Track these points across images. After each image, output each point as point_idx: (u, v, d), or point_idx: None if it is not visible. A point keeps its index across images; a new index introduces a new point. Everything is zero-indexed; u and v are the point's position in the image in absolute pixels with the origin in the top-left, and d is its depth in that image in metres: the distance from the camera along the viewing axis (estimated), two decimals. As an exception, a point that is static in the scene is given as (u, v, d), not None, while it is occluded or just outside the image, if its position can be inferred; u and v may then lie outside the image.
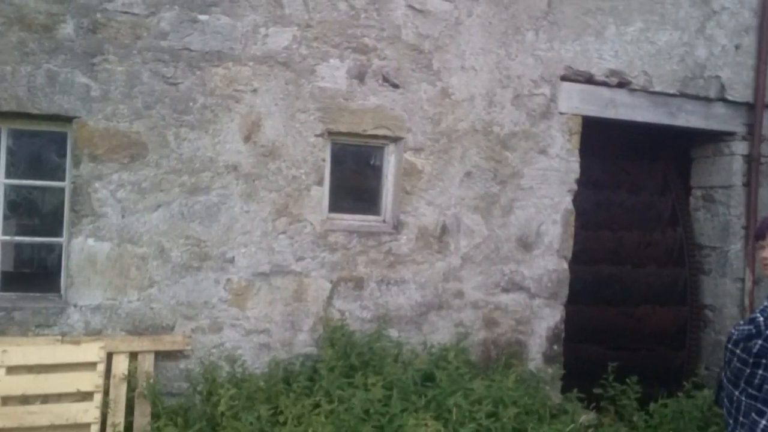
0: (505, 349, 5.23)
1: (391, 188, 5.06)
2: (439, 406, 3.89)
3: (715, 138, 6.17)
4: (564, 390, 5.20)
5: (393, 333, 4.90)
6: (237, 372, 4.36)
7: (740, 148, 6.06)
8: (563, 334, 5.44)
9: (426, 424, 3.30)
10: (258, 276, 4.60)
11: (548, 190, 5.33)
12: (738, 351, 2.82)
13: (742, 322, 2.89)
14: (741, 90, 5.96)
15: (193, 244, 4.46)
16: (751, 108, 5.98)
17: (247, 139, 4.57)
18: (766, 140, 6.07)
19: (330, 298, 4.79)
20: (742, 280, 6.01)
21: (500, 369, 4.75)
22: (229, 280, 4.54)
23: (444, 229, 5.07)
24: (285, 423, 3.74)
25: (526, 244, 5.30)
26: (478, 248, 5.17)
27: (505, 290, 5.26)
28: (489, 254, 5.20)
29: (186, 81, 4.43)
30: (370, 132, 4.89)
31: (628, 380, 4.51)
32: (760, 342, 2.71)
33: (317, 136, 4.74)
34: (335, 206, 4.95)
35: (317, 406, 3.92)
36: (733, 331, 2.91)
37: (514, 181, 5.23)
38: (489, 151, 5.14)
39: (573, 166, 5.39)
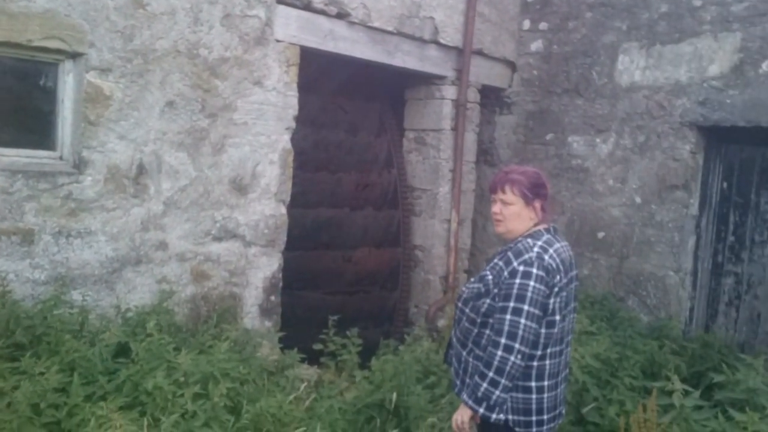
0: (218, 304, 4.65)
1: (70, 117, 4.03)
2: (135, 389, 3.18)
3: (428, 81, 6.20)
4: (284, 341, 4.86)
5: (77, 297, 3.98)
6: None
7: (450, 92, 6.19)
8: (281, 284, 5.05)
9: (113, 422, 2.58)
10: None
11: (265, 127, 4.78)
12: (467, 310, 2.65)
13: (472, 280, 2.72)
14: (452, 34, 6.02)
15: None
16: (460, 52, 6.10)
17: None
18: (472, 86, 6.28)
19: (-16, 258, 3.68)
20: (449, 221, 6.25)
21: (211, 329, 4.17)
22: None
23: (141, 169, 4.23)
24: None
25: (240, 187, 4.71)
26: (184, 191, 4.44)
27: (217, 239, 4.64)
28: (197, 198, 4.51)
29: None
30: (38, 43, 3.78)
31: (348, 332, 4.28)
32: (488, 301, 2.56)
33: (-43, 42, 3.50)
34: (-11, 138, 3.79)
35: (-35, 405, 2.92)
36: (463, 288, 2.73)
37: (226, 114, 4.56)
38: (195, 77, 4.38)
39: (291, 102, 4.90)
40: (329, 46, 5.15)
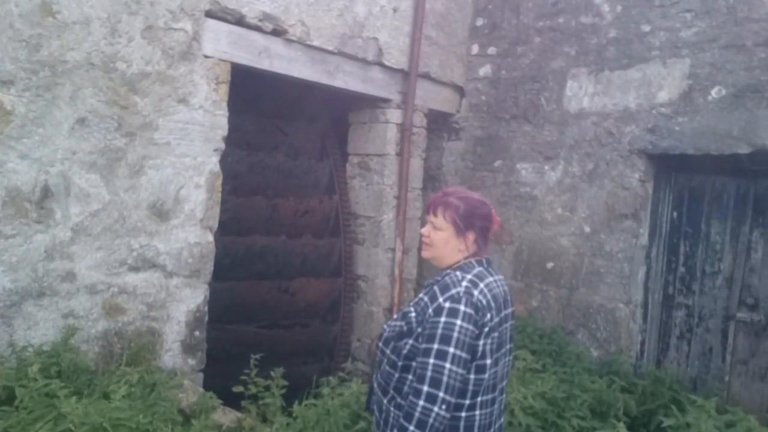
0: (134, 341, 4.23)
1: (-36, 133, 3.63)
2: (13, 441, 2.77)
3: (372, 104, 5.95)
4: (212, 381, 4.45)
5: (-35, 334, 3.55)
6: None
7: (395, 116, 5.94)
8: (207, 317, 4.65)
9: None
10: None
11: (190, 148, 4.43)
12: (388, 351, 2.32)
13: (395, 317, 2.40)
14: (397, 56, 5.80)
15: None
16: (406, 75, 5.88)
17: None
18: (418, 110, 6.05)
19: None
20: (393, 250, 5.95)
21: (119, 370, 3.75)
22: None
23: (46, 192, 3.83)
24: None
25: (161, 213, 4.34)
26: (96, 217, 4.04)
27: (134, 269, 4.25)
28: (112, 225, 4.11)
29: None
30: (-74, 50, 3.40)
31: (273, 373, 3.90)
32: (410, 342, 2.23)
33: None
34: None
35: None
36: (385, 327, 2.41)
37: (145, 134, 4.20)
38: (111, 93, 4.02)
39: (220, 121, 4.57)
40: (264, 65, 4.86)
